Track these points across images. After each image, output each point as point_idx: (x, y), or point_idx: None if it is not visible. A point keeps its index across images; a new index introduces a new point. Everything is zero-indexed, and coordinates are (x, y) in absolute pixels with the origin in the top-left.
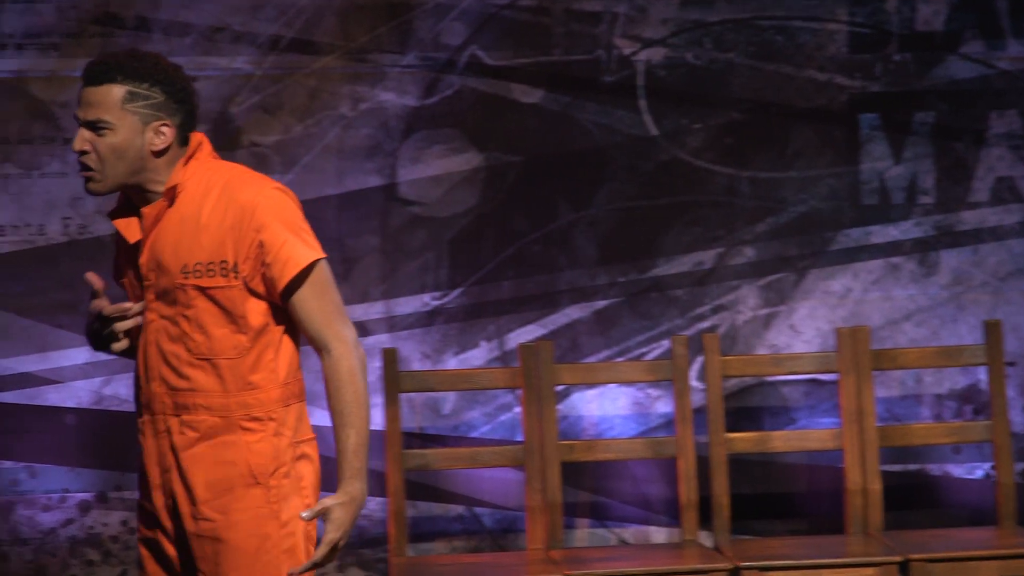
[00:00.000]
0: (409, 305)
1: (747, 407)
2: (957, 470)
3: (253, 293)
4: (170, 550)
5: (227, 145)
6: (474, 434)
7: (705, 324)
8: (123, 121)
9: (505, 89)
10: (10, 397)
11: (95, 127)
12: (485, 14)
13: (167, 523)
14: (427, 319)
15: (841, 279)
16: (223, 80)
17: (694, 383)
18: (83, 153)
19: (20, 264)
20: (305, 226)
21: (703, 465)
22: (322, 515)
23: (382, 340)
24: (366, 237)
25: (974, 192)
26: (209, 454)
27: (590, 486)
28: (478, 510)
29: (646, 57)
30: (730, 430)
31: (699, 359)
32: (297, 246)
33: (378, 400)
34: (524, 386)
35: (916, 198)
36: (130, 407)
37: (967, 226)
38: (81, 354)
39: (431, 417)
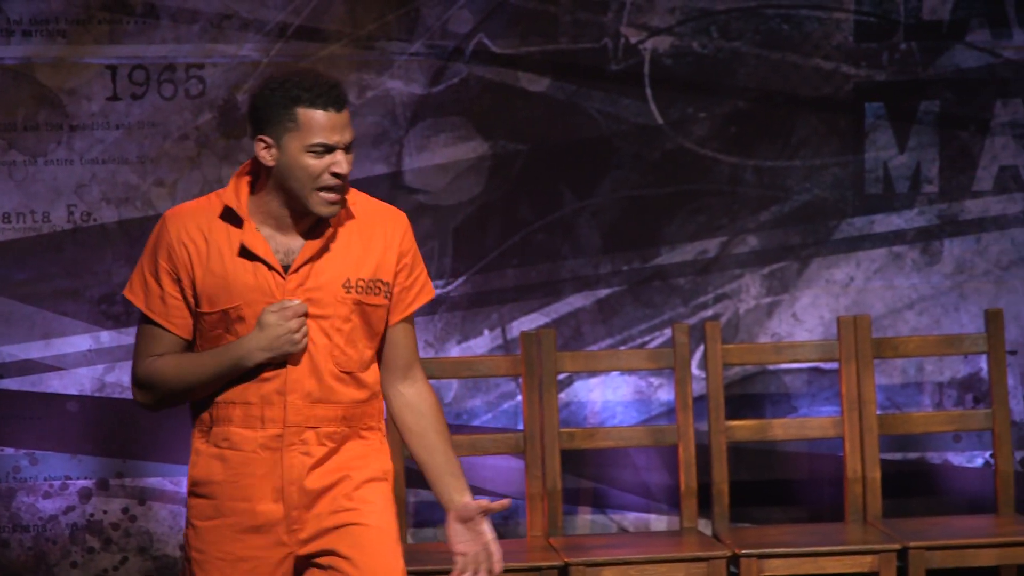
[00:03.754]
0: None
1: (749, 395)
2: (957, 458)
3: None
4: (271, 563)
5: (234, 133)
6: (476, 422)
7: (708, 313)
8: None
9: (512, 77)
10: (13, 384)
11: (350, 148)
12: (493, 2)
13: (281, 535)
14: (430, 307)
15: (844, 268)
16: (230, 67)
17: (696, 371)
18: (346, 175)
19: (24, 251)
20: None
21: (703, 453)
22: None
23: None
24: None
25: (978, 181)
26: (340, 459)
27: (591, 474)
28: (478, 497)
29: (652, 46)
30: (732, 418)
31: (701, 347)
32: (427, 275)
33: None
34: (525, 374)
35: (920, 187)
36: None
37: (970, 215)
38: (84, 341)
39: None
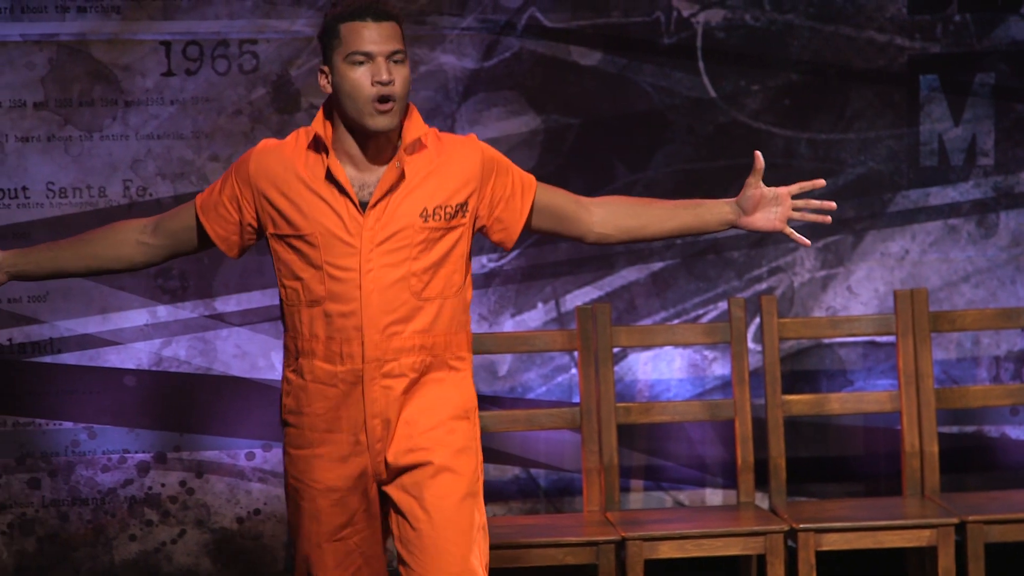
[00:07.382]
0: None
1: (804, 369)
2: (1014, 432)
3: (471, 233)
4: (359, 493)
5: (287, 108)
6: (530, 396)
7: (762, 286)
8: (406, 54)
9: (564, 51)
10: (71, 359)
11: (393, 58)
12: None
13: (367, 466)
14: (484, 281)
15: (899, 241)
16: (283, 43)
17: (751, 345)
18: (390, 83)
19: (81, 226)
20: None
21: (759, 427)
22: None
23: None
24: None
25: None
26: (423, 391)
27: (646, 448)
28: (534, 472)
29: (705, 19)
30: (787, 392)
31: (756, 321)
32: (521, 170)
33: None
34: (580, 348)
35: (975, 159)
36: (189, 368)
37: None
38: (141, 316)
39: (488, 379)
